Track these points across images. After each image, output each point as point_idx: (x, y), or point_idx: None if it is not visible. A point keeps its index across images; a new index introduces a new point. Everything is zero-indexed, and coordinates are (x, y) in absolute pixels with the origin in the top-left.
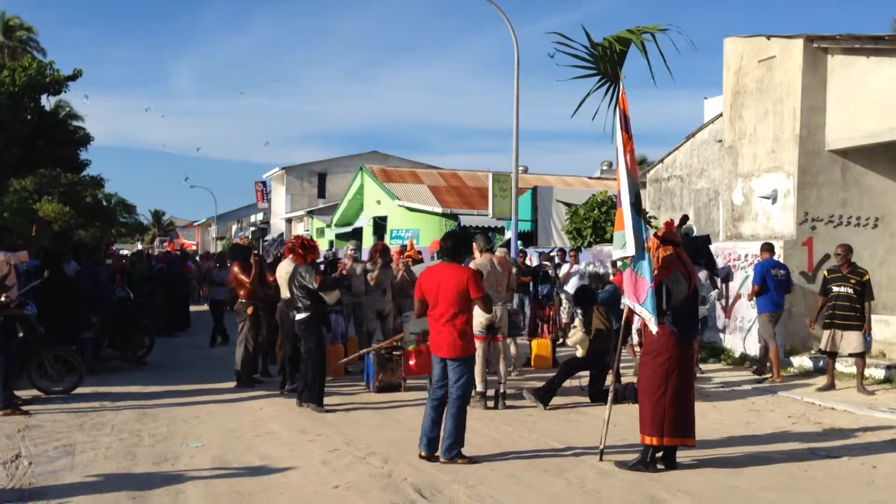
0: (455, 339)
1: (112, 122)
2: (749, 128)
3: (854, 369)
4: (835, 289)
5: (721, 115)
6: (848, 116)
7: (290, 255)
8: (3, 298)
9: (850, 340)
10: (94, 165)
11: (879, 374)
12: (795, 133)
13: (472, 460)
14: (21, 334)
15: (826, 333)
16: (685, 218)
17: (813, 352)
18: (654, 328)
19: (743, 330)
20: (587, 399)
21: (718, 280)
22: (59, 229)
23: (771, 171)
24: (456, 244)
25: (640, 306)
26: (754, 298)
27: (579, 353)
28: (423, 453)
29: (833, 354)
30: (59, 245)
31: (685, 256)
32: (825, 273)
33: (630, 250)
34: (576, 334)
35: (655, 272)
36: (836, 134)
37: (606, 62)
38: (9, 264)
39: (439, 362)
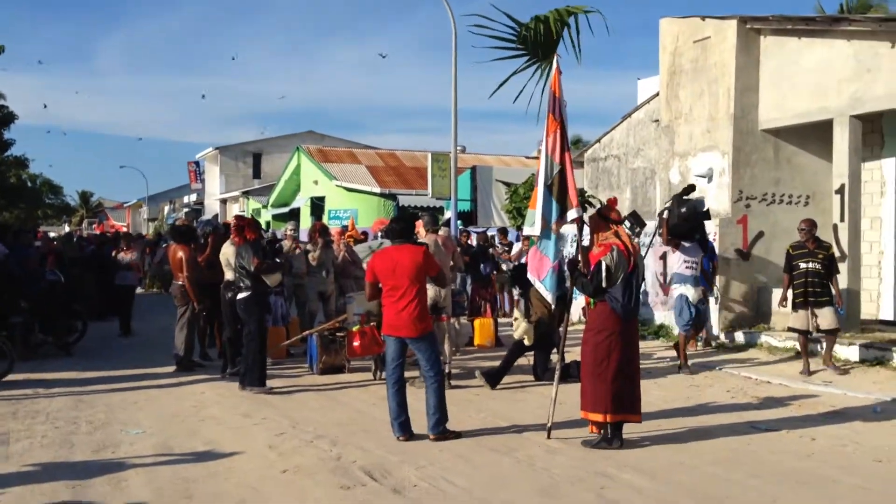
0: (416, 318)
1: (36, 101)
2: (685, 107)
3: (790, 344)
4: (802, 265)
5: (657, 95)
6: (780, 96)
7: (233, 236)
8: None
9: (825, 316)
10: (17, 145)
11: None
12: (730, 113)
13: (459, 434)
14: None
15: (801, 313)
16: (691, 187)
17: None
18: (552, 302)
19: None
20: (532, 378)
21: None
22: None
23: (706, 151)
24: (406, 226)
25: (539, 283)
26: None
27: (526, 342)
28: (401, 437)
29: (806, 333)
30: None
31: (624, 233)
32: (789, 250)
33: (536, 229)
34: (519, 325)
35: (595, 249)
36: (768, 114)
37: (537, 43)
38: None
39: (395, 342)
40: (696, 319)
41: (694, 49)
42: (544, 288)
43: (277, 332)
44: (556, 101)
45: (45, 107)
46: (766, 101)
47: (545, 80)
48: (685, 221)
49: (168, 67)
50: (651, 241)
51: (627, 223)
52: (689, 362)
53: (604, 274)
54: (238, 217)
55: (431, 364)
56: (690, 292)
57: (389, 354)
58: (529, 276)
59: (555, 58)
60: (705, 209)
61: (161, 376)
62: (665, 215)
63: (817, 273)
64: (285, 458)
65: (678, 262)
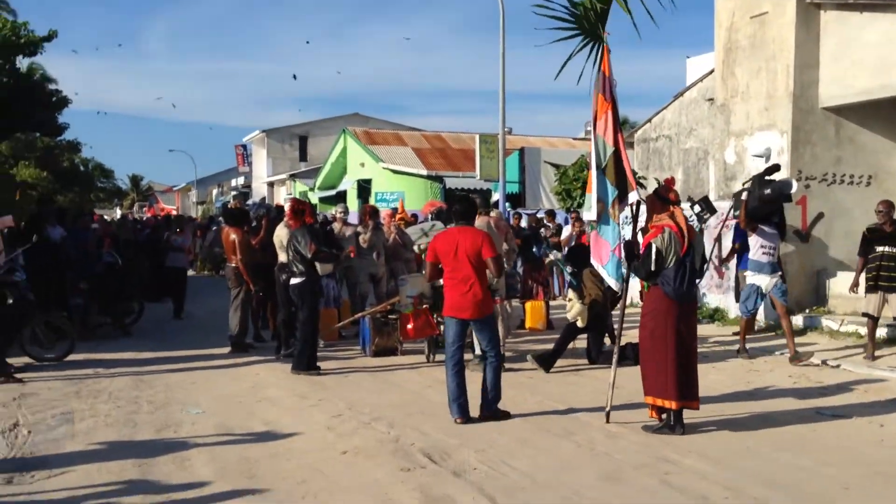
0: (480, 300)
1: (84, 85)
2: (742, 85)
3: (851, 328)
4: (878, 248)
5: (711, 73)
6: (841, 73)
7: (288, 219)
8: None
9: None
10: (69, 130)
11: (882, 332)
12: (789, 90)
13: (508, 414)
14: (10, 301)
15: (872, 297)
16: (775, 167)
17: (832, 315)
18: (617, 288)
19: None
20: (586, 361)
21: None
22: (40, 194)
23: (764, 130)
24: (469, 208)
25: (602, 268)
26: (734, 258)
27: (580, 324)
28: (458, 419)
29: (876, 319)
30: (42, 210)
31: (680, 215)
32: (865, 232)
33: (594, 214)
34: (573, 307)
35: (649, 231)
36: (829, 91)
37: (588, 21)
38: None
39: (457, 324)
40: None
41: (751, 25)
42: (607, 273)
43: (329, 314)
44: (606, 81)
45: (77, 94)
46: (827, 78)
47: (596, 60)
48: (768, 203)
49: (211, 51)
50: (705, 221)
51: (697, 208)
52: (749, 346)
53: (653, 257)
54: (296, 200)
55: (493, 345)
56: (765, 281)
57: (450, 336)
58: (593, 261)
59: (604, 36)
60: (792, 191)
61: (216, 357)
62: (744, 196)
63: (893, 257)
64: (344, 439)
65: (754, 247)
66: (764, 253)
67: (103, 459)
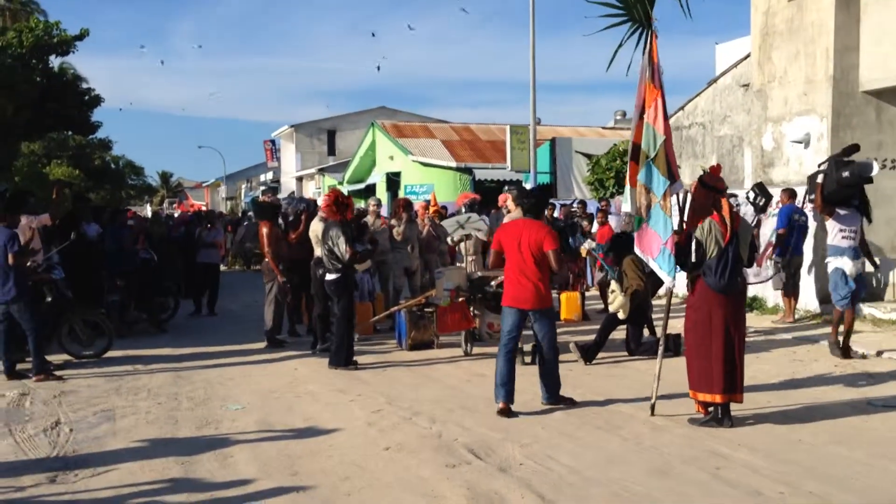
0: (542, 291)
1: (113, 84)
2: (779, 70)
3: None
4: None
5: (745, 58)
6: (882, 56)
7: (325, 211)
8: (29, 263)
9: None
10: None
11: None
12: (829, 74)
13: (574, 401)
14: (49, 299)
15: None
16: (854, 147)
17: None
18: (667, 282)
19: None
20: (625, 353)
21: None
22: (74, 192)
23: (803, 115)
24: (539, 201)
25: (653, 261)
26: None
27: (621, 315)
28: (502, 404)
29: None
30: (78, 208)
31: (725, 203)
32: None
33: (628, 207)
34: (616, 298)
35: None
36: (870, 74)
37: (637, 6)
38: (31, 228)
39: (515, 314)
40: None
41: (788, 8)
42: (658, 266)
43: (364, 308)
44: (654, 68)
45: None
46: (868, 61)
47: (645, 47)
48: (846, 187)
49: (238, 48)
50: (762, 209)
51: (751, 194)
52: (791, 336)
53: (693, 247)
54: (339, 193)
55: (550, 337)
56: (848, 265)
57: (507, 325)
58: (642, 254)
59: (652, 21)
60: (873, 173)
61: (253, 352)
62: (819, 179)
63: None
64: (386, 434)
65: (833, 231)
66: (844, 237)
67: (146, 457)
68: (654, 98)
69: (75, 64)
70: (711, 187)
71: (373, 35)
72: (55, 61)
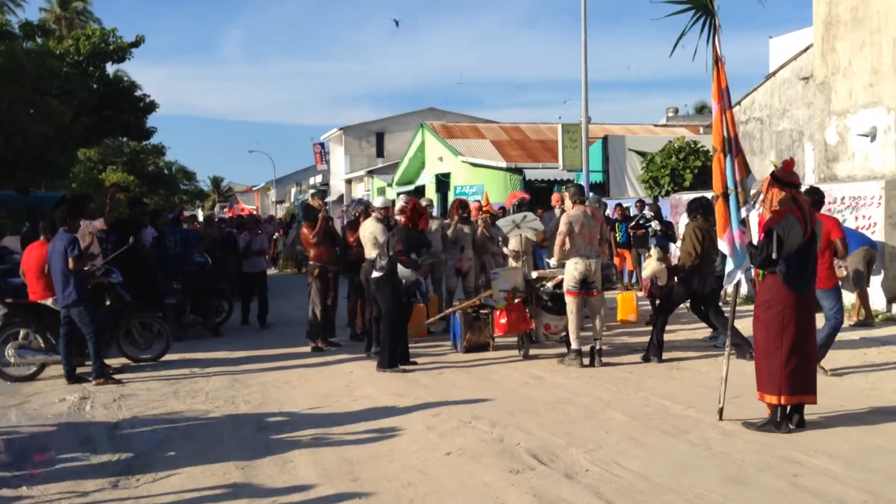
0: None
1: (166, 91)
2: (843, 61)
3: None
4: None
5: (805, 50)
6: None
7: (401, 215)
8: (88, 268)
9: None
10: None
11: None
12: None
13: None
14: (108, 303)
15: None
16: None
17: None
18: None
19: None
20: (684, 354)
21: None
22: (129, 197)
23: (869, 107)
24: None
25: (731, 256)
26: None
27: (660, 282)
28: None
29: None
30: (135, 212)
31: (802, 199)
32: None
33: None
34: (650, 265)
35: (767, 216)
36: None
37: None
38: (90, 233)
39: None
40: None
41: None
42: (731, 264)
43: (418, 309)
44: (719, 61)
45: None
46: None
47: (709, 37)
48: None
49: (285, 53)
50: (753, 203)
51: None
52: (858, 336)
53: (774, 244)
54: (416, 201)
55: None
56: None
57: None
58: (723, 243)
59: (714, 10)
60: None
61: (307, 355)
62: None
63: None
64: (446, 439)
65: None
66: None
67: (205, 462)
68: (722, 86)
69: (128, 70)
70: (786, 183)
71: (396, 24)
72: (111, 68)
